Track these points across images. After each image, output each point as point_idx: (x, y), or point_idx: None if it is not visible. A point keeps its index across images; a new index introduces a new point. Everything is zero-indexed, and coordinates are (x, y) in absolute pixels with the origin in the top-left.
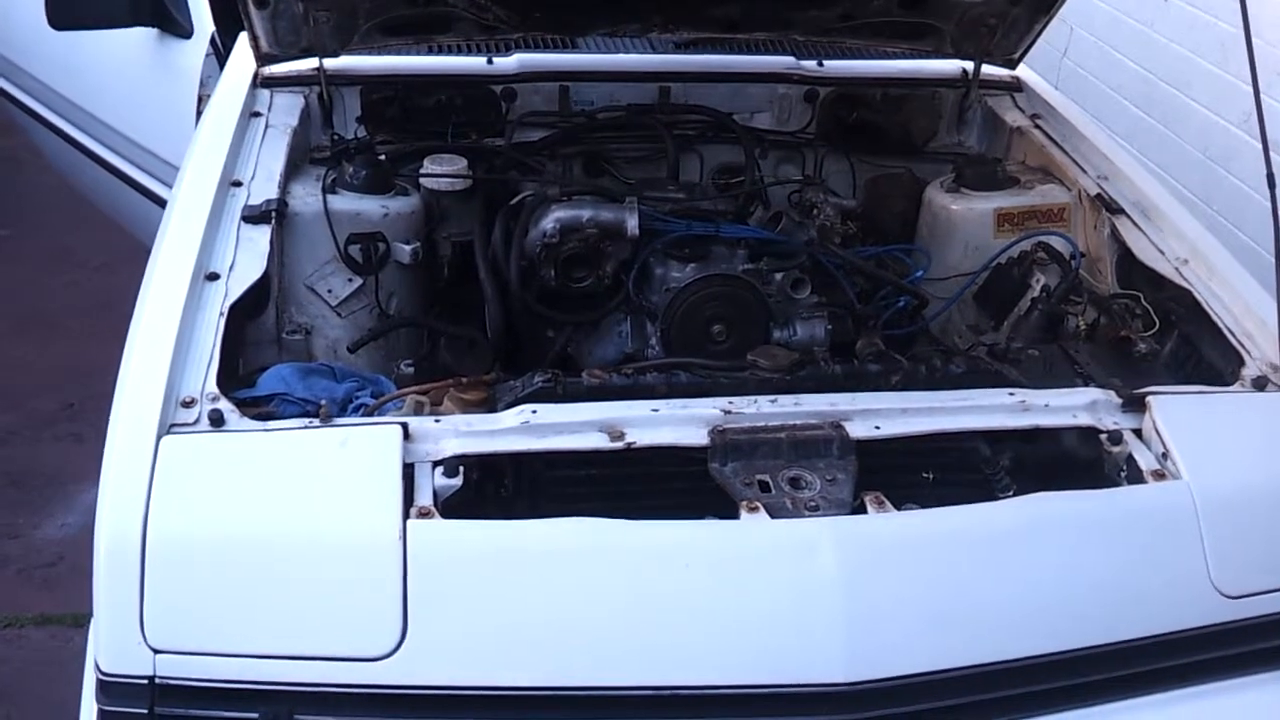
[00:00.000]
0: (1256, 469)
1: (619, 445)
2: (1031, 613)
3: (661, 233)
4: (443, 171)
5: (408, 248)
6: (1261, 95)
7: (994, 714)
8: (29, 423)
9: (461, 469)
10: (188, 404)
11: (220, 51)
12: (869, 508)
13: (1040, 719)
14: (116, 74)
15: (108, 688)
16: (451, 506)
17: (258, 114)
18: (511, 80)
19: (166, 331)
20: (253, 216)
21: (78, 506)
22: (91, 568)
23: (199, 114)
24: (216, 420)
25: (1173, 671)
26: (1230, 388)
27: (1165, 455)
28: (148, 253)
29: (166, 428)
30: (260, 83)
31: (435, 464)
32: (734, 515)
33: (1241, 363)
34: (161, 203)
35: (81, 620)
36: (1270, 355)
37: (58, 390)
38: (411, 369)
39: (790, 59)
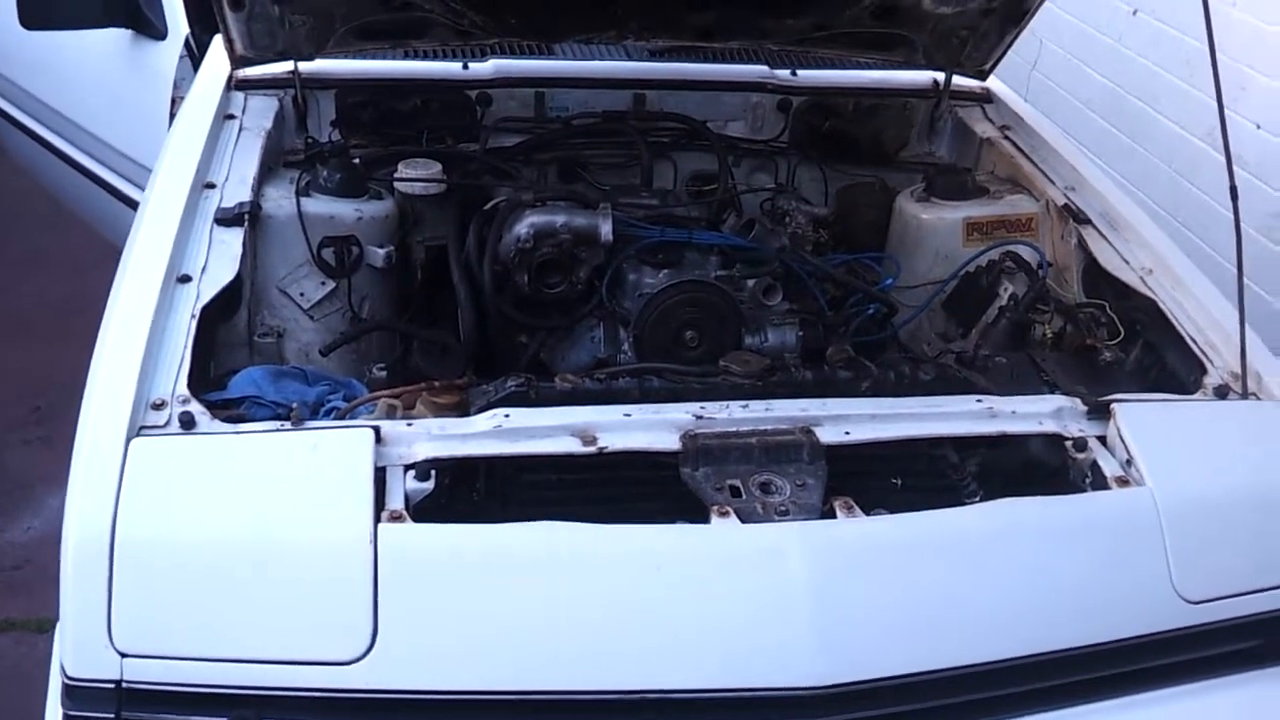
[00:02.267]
0: (1218, 476)
1: (591, 450)
2: (998, 617)
3: (635, 239)
4: (417, 176)
5: (381, 251)
6: (1225, 110)
7: (961, 717)
8: None
9: (433, 473)
10: (158, 406)
11: (194, 54)
12: (838, 512)
13: None
14: (89, 75)
15: (74, 692)
16: (423, 510)
17: (232, 116)
18: (487, 85)
19: (137, 333)
20: (225, 219)
21: (44, 510)
22: (58, 573)
23: (172, 116)
24: (187, 423)
25: (1136, 675)
26: (1193, 396)
27: (1129, 462)
28: (119, 255)
29: (136, 430)
30: (235, 85)
31: (407, 468)
32: (705, 520)
33: (1204, 371)
34: (133, 205)
35: (46, 626)
36: (1232, 364)
37: (26, 393)
38: (384, 373)
39: (764, 68)
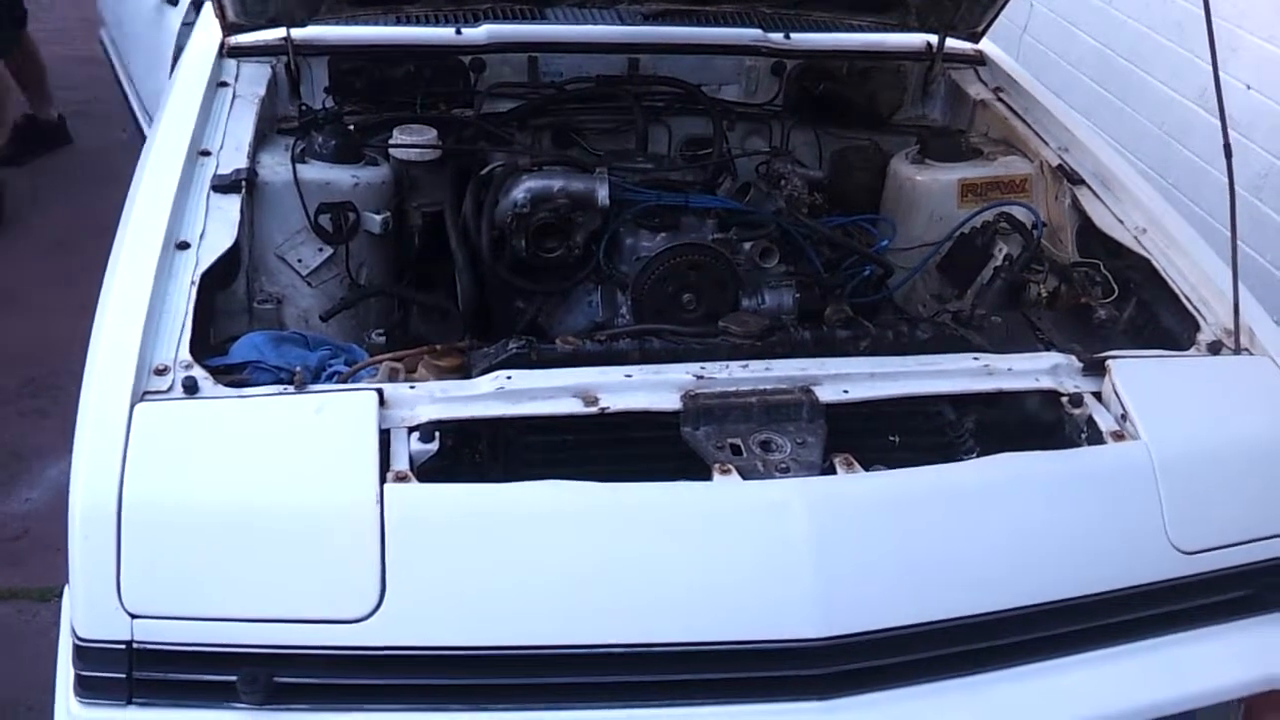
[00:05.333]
0: (1211, 429)
1: (593, 410)
2: (996, 569)
3: (632, 203)
4: (412, 142)
5: (378, 217)
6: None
7: (961, 667)
8: None
9: (437, 434)
10: (161, 371)
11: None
12: (838, 469)
13: (1004, 671)
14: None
15: (85, 653)
16: (427, 471)
17: (225, 84)
18: (480, 51)
19: (138, 300)
20: (222, 186)
21: (41, 482)
22: (57, 542)
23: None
24: (190, 387)
25: (1132, 625)
26: (1186, 352)
27: (1124, 417)
28: (109, 229)
29: (140, 395)
30: (227, 52)
31: (411, 429)
32: (706, 477)
33: (1197, 328)
34: None
35: (48, 595)
36: (1225, 320)
37: (18, 366)
38: (383, 338)
39: (758, 31)
